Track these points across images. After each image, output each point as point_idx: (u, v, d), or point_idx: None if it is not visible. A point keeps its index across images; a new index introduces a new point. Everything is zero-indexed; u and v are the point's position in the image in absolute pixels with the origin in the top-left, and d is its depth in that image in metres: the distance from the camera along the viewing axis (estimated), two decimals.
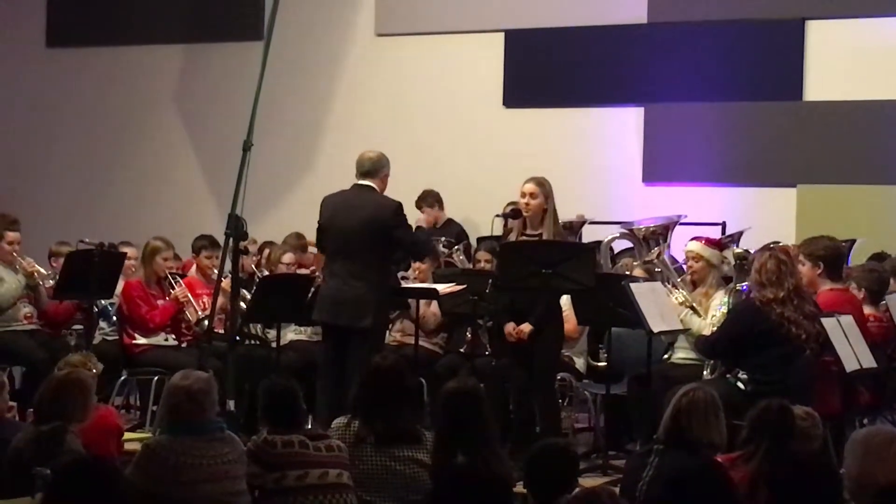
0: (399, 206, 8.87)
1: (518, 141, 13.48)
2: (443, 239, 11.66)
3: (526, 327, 8.51)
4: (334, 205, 9.01)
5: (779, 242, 9.60)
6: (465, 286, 9.27)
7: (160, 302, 10.06)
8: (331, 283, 8.89)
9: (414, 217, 12.24)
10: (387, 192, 9.01)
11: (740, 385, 8.17)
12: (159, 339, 10.02)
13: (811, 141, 12.56)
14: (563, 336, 8.95)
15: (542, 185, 8.71)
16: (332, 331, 8.93)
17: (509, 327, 8.59)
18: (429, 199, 12.86)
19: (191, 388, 6.17)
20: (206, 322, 9.26)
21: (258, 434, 6.54)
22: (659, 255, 9.57)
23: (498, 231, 9.77)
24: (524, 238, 8.72)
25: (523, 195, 8.71)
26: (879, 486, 4.93)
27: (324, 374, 8.90)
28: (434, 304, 10.00)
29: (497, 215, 9.09)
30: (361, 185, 8.95)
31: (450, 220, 12.99)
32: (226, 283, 9.04)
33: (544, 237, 8.64)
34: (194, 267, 10.60)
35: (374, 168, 8.96)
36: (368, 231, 8.75)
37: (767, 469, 5.69)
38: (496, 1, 13.81)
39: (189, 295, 10.02)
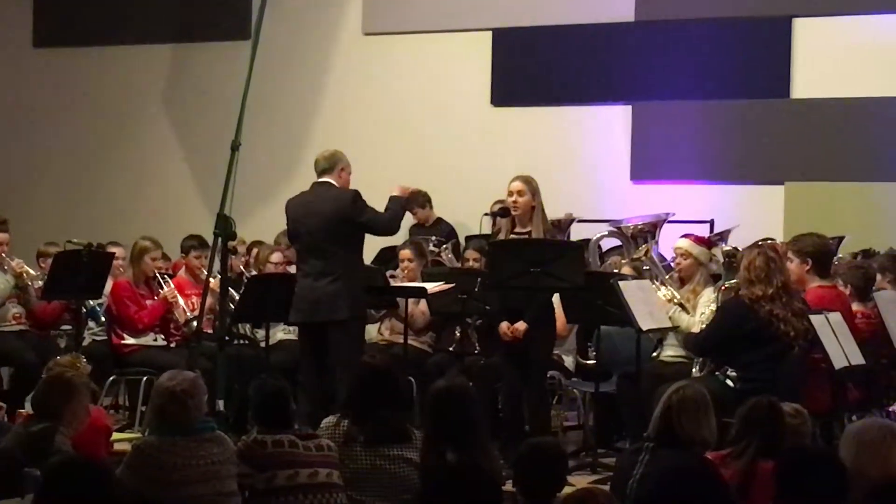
0: (356, 193, 8.92)
1: (506, 139, 13.48)
2: (433, 238, 11.67)
3: (521, 326, 8.51)
4: (298, 206, 9.09)
5: (770, 240, 9.61)
6: (453, 285, 9.28)
7: (149, 302, 10.04)
8: (303, 284, 8.94)
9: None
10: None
11: (729, 382, 8.18)
12: (148, 340, 10.00)
13: (799, 138, 12.57)
14: (555, 335, 8.97)
15: (529, 182, 8.72)
16: (310, 330, 8.95)
17: (503, 326, 8.58)
18: (419, 200, 12.85)
19: (175, 388, 6.17)
20: (195, 322, 9.26)
21: (248, 434, 6.54)
22: (647, 252, 9.58)
23: (487, 229, 9.78)
24: (513, 236, 8.73)
25: (510, 193, 8.72)
26: (873, 480, 4.93)
27: (304, 376, 8.92)
28: (423, 302, 9.99)
29: (486, 214, 9.11)
30: (320, 182, 9.06)
31: (439, 219, 12.98)
32: (214, 284, 9.03)
33: (533, 235, 8.65)
34: (183, 268, 10.58)
35: (330, 164, 9.06)
36: (332, 226, 8.81)
37: (774, 465, 5.67)
38: None
39: (178, 295, 10.00)
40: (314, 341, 8.90)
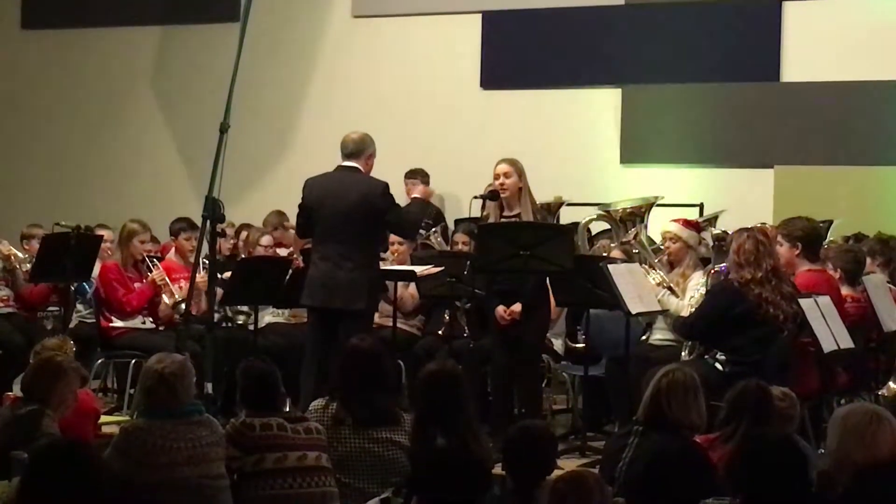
0: (387, 186, 8.81)
1: (496, 122, 13.46)
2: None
3: (517, 307, 8.49)
4: (321, 187, 8.89)
5: (764, 223, 9.60)
6: (442, 268, 9.26)
7: (137, 285, 9.99)
8: (321, 267, 8.76)
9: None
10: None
11: (718, 366, 8.18)
12: (136, 323, 9.96)
13: (788, 122, 12.57)
14: (549, 317, 8.95)
15: (515, 164, 8.73)
16: (323, 315, 8.82)
17: (500, 310, 8.56)
18: (423, 174, 12.83)
19: (164, 371, 6.15)
20: (184, 305, 9.20)
21: (236, 417, 6.52)
22: (636, 236, 9.57)
23: (476, 212, 9.76)
24: (503, 220, 8.71)
25: (497, 176, 8.72)
26: (857, 465, 4.93)
27: (311, 359, 8.81)
28: (412, 285, 9.98)
29: (475, 196, 9.08)
30: (346, 166, 8.88)
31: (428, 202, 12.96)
32: (201, 281, 9.03)
33: (522, 217, 8.64)
34: (172, 250, 10.56)
35: (358, 149, 8.90)
36: (359, 213, 8.67)
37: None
38: None
39: (166, 278, 9.95)
40: (325, 327, 8.80)
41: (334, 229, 8.74)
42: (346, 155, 8.89)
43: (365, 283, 8.67)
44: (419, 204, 11.82)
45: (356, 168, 8.84)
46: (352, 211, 8.68)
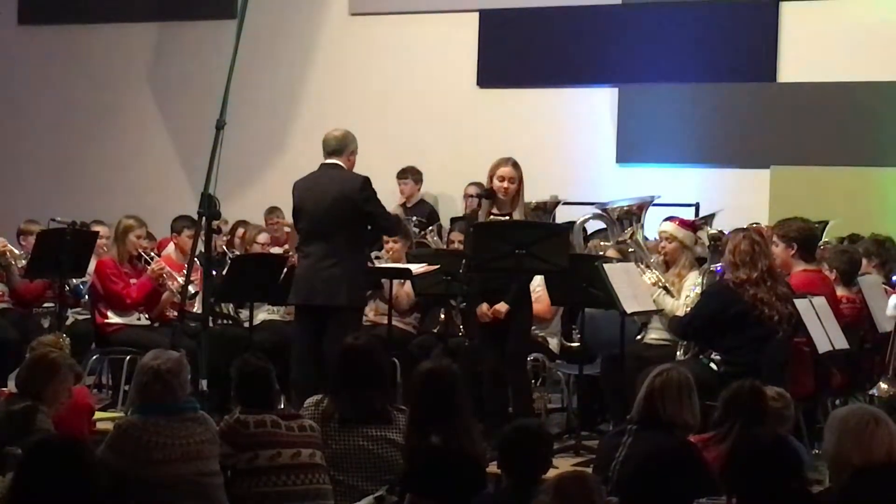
0: (366, 179, 8.82)
1: (492, 121, 13.46)
2: (414, 219, 11.66)
3: (502, 307, 8.48)
4: (303, 188, 8.97)
5: (760, 224, 9.60)
6: (438, 266, 9.26)
7: (133, 281, 9.96)
8: (304, 265, 8.84)
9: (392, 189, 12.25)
10: (361, 171, 8.98)
11: (713, 366, 8.18)
12: (132, 319, 9.94)
13: (785, 122, 12.58)
14: (532, 317, 8.94)
15: (517, 167, 8.72)
16: (308, 312, 8.87)
17: (483, 308, 8.55)
18: (414, 173, 12.83)
19: (160, 368, 6.15)
20: (191, 288, 9.15)
21: (231, 414, 6.52)
22: (632, 235, 9.57)
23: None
24: (493, 218, 8.70)
25: (502, 178, 8.66)
26: (854, 467, 4.94)
27: (300, 358, 8.82)
28: (407, 284, 9.98)
29: (470, 196, 9.09)
30: (328, 164, 8.94)
31: (421, 200, 12.97)
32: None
33: (515, 217, 8.64)
34: (170, 246, 10.53)
35: (340, 146, 8.94)
36: (338, 209, 8.71)
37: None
38: None
39: (166, 266, 9.88)
40: (312, 324, 8.82)
41: (316, 227, 8.80)
42: (329, 153, 8.95)
43: (344, 278, 8.68)
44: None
45: (338, 165, 8.88)
46: (331, 207, 8.73)
